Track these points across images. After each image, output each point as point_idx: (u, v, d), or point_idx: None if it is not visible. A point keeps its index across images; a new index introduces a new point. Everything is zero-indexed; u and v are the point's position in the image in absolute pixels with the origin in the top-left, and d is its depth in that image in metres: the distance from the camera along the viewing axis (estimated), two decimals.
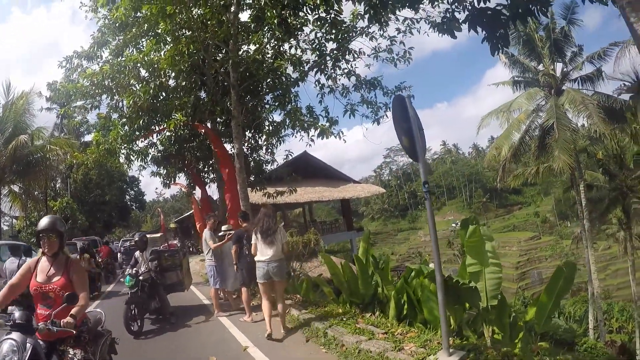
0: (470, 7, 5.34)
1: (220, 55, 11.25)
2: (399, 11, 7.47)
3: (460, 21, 5.53)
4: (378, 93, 11.72)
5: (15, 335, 2.95)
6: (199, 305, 9.67)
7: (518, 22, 5.30)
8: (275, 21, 7.85)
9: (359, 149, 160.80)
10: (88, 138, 34.33)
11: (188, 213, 37.19)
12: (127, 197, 45.75)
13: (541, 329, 6.56)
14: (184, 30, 9.90)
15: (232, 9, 9.70)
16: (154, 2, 8.40)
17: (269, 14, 7.76)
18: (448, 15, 5.56)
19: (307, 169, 24.68)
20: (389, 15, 7.42)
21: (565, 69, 19.54)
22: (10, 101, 21.71)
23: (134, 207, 48.71)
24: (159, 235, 17.56)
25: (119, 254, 20.90)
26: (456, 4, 5.52)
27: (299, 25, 8.98)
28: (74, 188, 35.37)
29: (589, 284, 18.78)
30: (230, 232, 8.61)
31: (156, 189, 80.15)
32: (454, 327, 6.29)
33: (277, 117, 13.10)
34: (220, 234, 8.92)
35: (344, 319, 6.17)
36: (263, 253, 6.35)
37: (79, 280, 3.53)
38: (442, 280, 4.19)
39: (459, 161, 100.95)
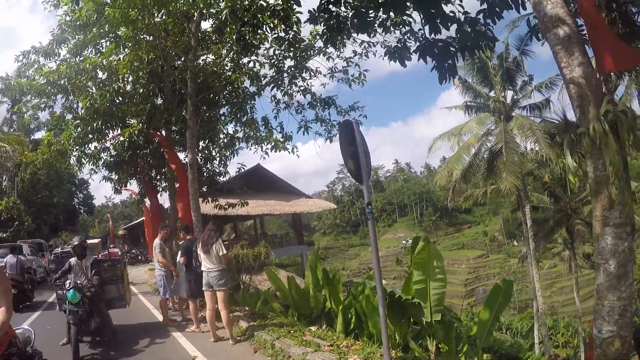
0: (422, 39, 5.75)
1: (179, 63, 11.22)
2: (356, 35, 7.81)
3: (412, 50, 5.93)
4: (332, 112, 12.09)
5: None
6: (146, 314, 9.48)
7: (466, 54, 5.76)
8: (234, 37, 8.02)
9: (314, 163, 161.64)
10: (38, 136, 32.87)
11: (138, 220, 36.12)
12: (76, 200, 43.59)
13: (483, 342, 6.93)
14: (145, 35, 9.81)
15: (195, 18, 9.76)
16: (117, 6, 8.27)
17: (228, 29, 7.92)
18: (400, 45, 5.92)
19: (260, 182, 24.76)
20: (345, 39, 7.74)
21: (515, 97, 20.69)
22: None
23: (82, 211, 46.50)
24: (96, 241, 16.59)
25: (46, 261, 19.35)
26: (408, 35, 5.92)
27: (257, 43, 9.17)
28: (21, 188, 33.40)
29: (534, 301, 19.64)
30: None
31: (106, 195, 77.06)
32: (400, 341, 6.53)
33: (231, 129, 13.11)
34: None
35: (292, 331, 6.34)
36: (205, 263, 6.70)
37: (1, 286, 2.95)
38: (382, 295, 4.44)
39: (411, 179, 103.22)
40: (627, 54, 3.32)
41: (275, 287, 9.22)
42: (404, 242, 68.20)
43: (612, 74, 3.68)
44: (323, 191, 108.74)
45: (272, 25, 7.74)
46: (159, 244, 8.58)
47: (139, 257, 28.32)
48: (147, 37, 9.85)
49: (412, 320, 6.87)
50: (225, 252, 6.73)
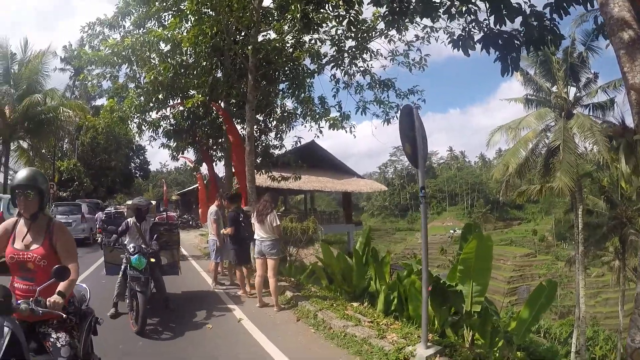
0: (486, 29, 5.62)
1: (240, 38, 11.40)
2: (419, 19, 7.69)
3: (475, 40, 5.80)
4: (391, 94, 11.99)
5: None
6: (196, 277, 9.98)
7: (531, 48, 5.58)
8: (298, 15, 8.11)
9: (367, 143, 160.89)
10: (99, 102, 34.76)
11: (191, 187, 37.54)
12: (133, 164, 45.95)
13: (519, 340, 6.91)
14: (208, 10, 10.01)
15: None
16: None
17: (292, 7, 8.01)
18: (464, 33, 5.81)
19: (313, 158, 24.96)
20: (407, 22, 7.64)
21: (578, 94, 19.65)
22: (26, 59, 21.98)
23: (137, 175, 48.85)
24: (153, 203, 17.48)
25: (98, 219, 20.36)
26: (473, 24, 5.78)
27: (319, 21, 9.20)
28: (81, 151, 35.65)
29: (577, 308, 18.84)
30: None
31: (161, 162, 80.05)
32: (438, 328, 6.62)
33: (289, 104, 13.32)
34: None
35: (334, 304, 6.57)
36: (258, 232, 6.99)
37: (66, 248, 2.92)
38: (427, 277, 4.52)
39: (465, 169, 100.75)
40: None
41: (326, 261, 9.49)
42: (451, 231, 67.03)
43: None
44: (374, 172, 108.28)
45: (334, 3, 7.74)
46: (215, 210, 8.99)
47: (190, 223, 29.52)
48: (210, 12, 10.05)
49: (452, 308, 6.95)
50: (278, 223, 6.99)
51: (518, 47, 5.41)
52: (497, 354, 5.80)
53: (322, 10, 8.15)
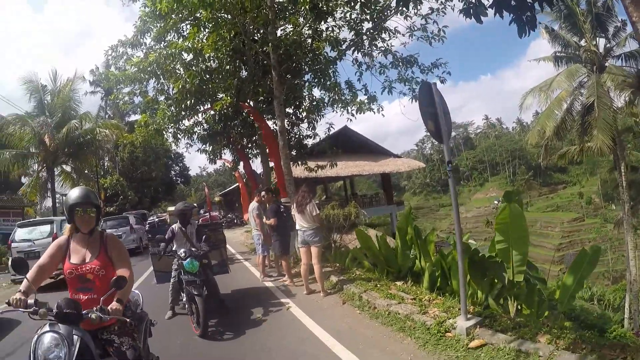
0: None
1: (259, 36, 11.57)
2: None
3: (487, 5, 5.70)
4: (416, 70, 11.83)
5: (60, 327, 2.61)
6: (245, 272, 10.41)
7: (544, 4, 5.43)
8: (307, 7, 8.18)
9: (401, 122, 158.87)
10: (132, 118, 36.09)
11: (232, 187, 38.42)
12: (173, 172, 47.58)
13: (564, 307, 6.80)
14: (223, 14, 10.21)
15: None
16: None
17: (301, 1, 8.08)
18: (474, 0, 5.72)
19: (348, 143, 25.01)
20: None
21: (607, 45, 18.52)
22: (57, 88, 22.93)
23: (179, 182, 50.46)
24: (195, 206, 18.12)
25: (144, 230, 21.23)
26: None
27: (330, 10, 9.21)
28: (122, 166, 37.34)
29: (628, 272, 17.88)
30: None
31: (200, 165, 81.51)
32: (481, 300, 6.66)
33: (317, 92, 13.44)
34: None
35: (378, 285, 6.74)
36: (299, 222, 7.24)
37: (120, 258, 3.12)
38: (462, 249, 4.60)
39: (503, 136, 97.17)
40: None
41: (364, 245, 9.63)
42: (495, 202, 65.20)
43: None
44: (412, 150, 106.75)
45: None
46: (256, 206, 9.29)
47: (235, 221, 30.28)
48: (226, 16, 10.23)
49: (495, 280, 6.94)
50: (318, 212, 7.23)
51: (531, 5, 5.29)
52: (542, 323, 5.80)
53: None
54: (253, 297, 7.53)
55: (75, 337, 2.55)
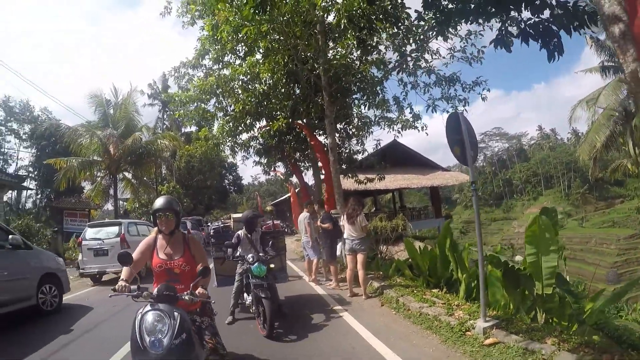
0: (522, 25, 6.06)
1: (310, 59, 12.42)
2: (460, 25, 8.14)
3: (515, 35, 6.23)
4: (458, 88, 12.39)
5: (162, 306, 3.11)
6: (295, 276, 11.23)
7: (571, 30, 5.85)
8: (355, 41, 9.04)
9: None
10: (188, 129, 38.24)
11: (283, 197, 39.65)
12: (226, 181, 49.12)
13: (592, 321, 6.99)
14: (278, 41, 11.22)
15: (318, 28, 10.93)
16: (252, 25, 9.49)
17: (347, 34, 8.90)
18: (502, 31, 6.25)
19: (397, 157, 25.50)
20: (451, 29, 8.10)
21: None
22: (119, 102, 24.94)
23: (232, 191, 51.97)
24: (261, 215, 19.00)
25: (204, 234, 21.85)
26: (509, 22, 6.23)
27: (374, 43, 10.00)
28: (179, 174, 39.42)
29: None
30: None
31: (252, 175, 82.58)
32: (512, 311, 7.09)
33: (365, 109, 14.25)
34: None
35: (415, 291, 7.41)
36: (348, 232, 8.01)
37: (200, 254, 3.76)
38: (482, 259, 5.23)
39: (558, 147, 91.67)
40: None
41: (410, 255, 10.26)
42: None
43: None
44: None
45: (385, 26, 8.49)
46: (307, 216, 10.18)
47: (286, 230, 31.38)
48: (280, 38, 11.11)
49: (526, 291, 7.34)
50: (366, 223, 8.02)
51: (557, 33, 5.71)
52: (554, 329, 6.12)
53: (375, 32, 8.92)
54: (305, 301, 8.14)
55: (175, 313, 3.08)
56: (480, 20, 6.55)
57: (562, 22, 5.67)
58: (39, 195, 38.42)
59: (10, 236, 7.60)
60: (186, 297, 3.23)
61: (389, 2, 7.78)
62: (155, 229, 3.78)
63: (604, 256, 45.80)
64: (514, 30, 6.22)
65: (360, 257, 7.90)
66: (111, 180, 24.96)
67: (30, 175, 36.91)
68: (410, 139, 74.03)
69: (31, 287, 7.73)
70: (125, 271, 3.44)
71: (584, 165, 73.38)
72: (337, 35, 11.09)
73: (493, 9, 5.61)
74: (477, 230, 5.42)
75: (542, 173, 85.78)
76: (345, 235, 8.20)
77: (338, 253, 9.66)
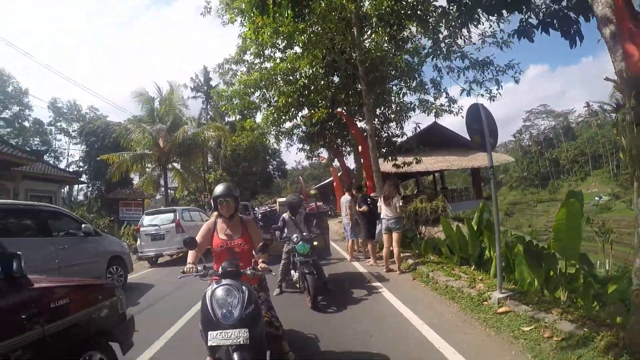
0: (540, 15, 6.41)
1: (347, 50, 12.90)
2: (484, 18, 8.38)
3: (535, 25, 6.56)
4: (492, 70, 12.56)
5: (229, 281, 3.30)
6: (337, 254, 12.09)
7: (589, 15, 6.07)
8: (386, 38, 9.54)
9: (497, 111, 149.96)
10: (232, 118, 39.75)
11: (326, 181, 40.46)
12: (270, 167, 50.63)
13: (612, 300, 7.22)
14: (315, 37, 11.81)
15: (353, 21, 11.46)
16: (290, 25, 10.11)
17: (378, 30, 9.39)
18: (523, 24, 6.60)
19: (438, 139, 25.63)
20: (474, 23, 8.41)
21: None
22: (165, 97, 26.33)
23: (276, 176, 53.59)
24: (303, 198, 19.90)
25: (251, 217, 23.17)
26: (529, 13, 6.57)
27: (407, 38, 10.42)
28: (224, 162, 41.03)
29: None
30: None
31: (295, 160, 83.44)
32: (536, 288, 7.54)
33: (402, 96, 14.66)
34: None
35: (444, 267, 8.07)
36: (385, 212, 8.77)
37: (257, 235, 4.05)
38: (498, 236, 5.81)
39: (606, 125, 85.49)
40: None
41: (446, 234, 10.86)
42: (596, 198, 58.93)
43: None
44: (510, 141, 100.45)
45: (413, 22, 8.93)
46: (349, 199, 10.95)
47: (329, 212, 32.13)
48: (319, 29, 11.66)
49: (551, 271, 7.77)
50: (401, 204, 8.76)
51: (575, 20, 5.99)
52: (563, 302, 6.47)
53: (404, 28, 9.36)
54: (347, 278, 8.82)
55: (243, 287, 3.30)
56: (504, 12, 6.93)
57: (579, 9, 6.02)
58: (90, 188, 41.19)
59: (83, 225, 8.86)
60: (248, 272, 3.47)
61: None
62: (215, 213, 4.11)
63: None
64: (534, 21, 6.64)
65: (395, 235, 8.65)
66: (161, 171, 26.52)
67: (82, 169, 39.38)
68: (451, 121, 72.59)
69: (101, 268, 9.03)
70: (191, 255, 3.73)
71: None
72: (371, 28, 11.58)
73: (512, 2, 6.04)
74: (494, 209, 6.01)
75: (590, 152, 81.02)
76: (382, 216, 8.96)
77: (377, 232, 10.37)
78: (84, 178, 37.66)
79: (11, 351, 2.48)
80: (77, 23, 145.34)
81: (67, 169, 34.02)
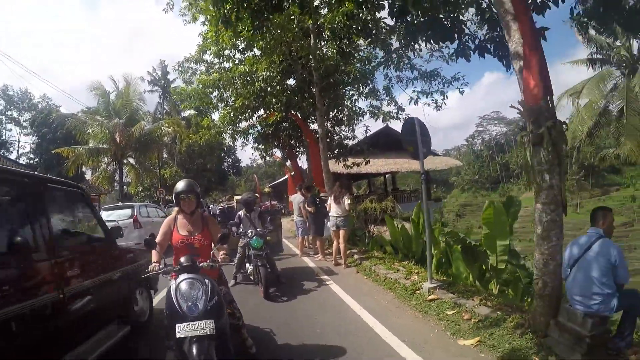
0: (477, 41, 7.27)
1: (302, 57, 13.35)
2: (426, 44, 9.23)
3: (472, 49, 7.42)
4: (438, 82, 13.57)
5: (192, 275, 3.40)
6: (288, 250, 12.67)
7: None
8: (335, 50, 10.25)
9: (452, 116, 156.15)
10: (186, 114, 39.20)
11: (280, 180, 40.94)
12: (225, 164, 50.24)
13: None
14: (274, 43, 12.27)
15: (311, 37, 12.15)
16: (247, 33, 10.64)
17: (328, 44, 10.03)
18: (461, 46, 7.42)
19: (389, 142, 26.57)
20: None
21: None
22: (121, 91, 26.03)
23: (230, 173, 53.31)
24: (257, 196, 20.44)
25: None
26: (466, 37, 7.41)
27: (354, 51, 11.28)
28: (180, 158, 40.85)
29: None
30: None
31: (250, 157, 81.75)
32: (471, 282, 8.41)
33: (355, 101, 15.46)
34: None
35: (386, 262, 8.87)
36: (334, 211, 9.49)
37: (216, 230, 4.13)
38: (430, 230, 6.61)
39: (571, 128, 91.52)
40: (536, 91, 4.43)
41: (390, 232, 11.69)
42: None
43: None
44: (462, 145, 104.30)
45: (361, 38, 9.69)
46: (302, 199, 11.51)
47: (282, 211, 32.66)
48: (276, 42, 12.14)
49: (483, 266, 8.69)
50: (349, 203, 9.49)
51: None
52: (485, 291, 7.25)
53: (353, 42, 10.12)
54: (298, 271, 9.35)
55: (206, 280, 3.43)
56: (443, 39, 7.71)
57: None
58: None
59: None
60: (205, 265, 3.58)
61: (367, 16, 8.89)
62: (176, 209, 4.20)
63: None
64: (472, 44, 7.48)
65: (342, 232, 9.39)
66: (116, 166, 26.17)
67: (33, 162, 37.94)
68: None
69: None
70: (154, 254, 3.82)
71: (582, 152, 72.69)
72: (323, 40, 12.29)
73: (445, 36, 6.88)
74: (424, 209, 6.82)
75: None
76: (331, 214, 9.65)
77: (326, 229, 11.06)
78: (36, 172, 36.31)
79: (119, 276, 4.78)
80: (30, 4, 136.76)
81: (18, 161, 32.49)
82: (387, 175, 33.24)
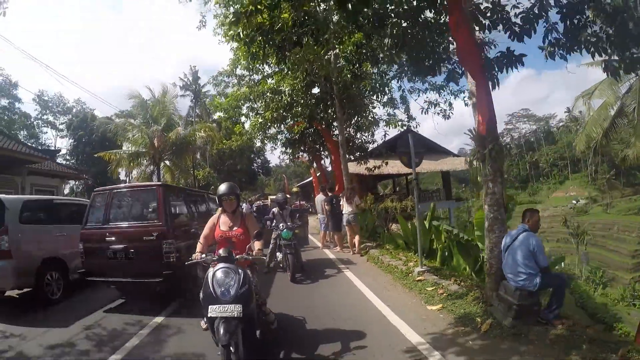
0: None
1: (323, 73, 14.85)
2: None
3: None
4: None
5: (228, 265, 3.73)
6: (312, 244, 14.45)
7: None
8: (349, 75, 11.89)
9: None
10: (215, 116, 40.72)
11: (308, 179, 42.53)
12: (255, 164, 51.95)
13: None
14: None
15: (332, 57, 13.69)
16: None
17: (344, 70, 11.68)
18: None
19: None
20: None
21: None
22: (157, 99, 27.76)
23: (260, 173, 55.18)
24: (288, 197, 22.15)
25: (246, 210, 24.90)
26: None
27: (366, 75, 12.93)
28: (212, 160, 42.71)
29: None
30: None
31: (279, 157, 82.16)
32: (468, 273, 9.70)
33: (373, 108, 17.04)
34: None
35: (392, 252, 10.46)
36: (347, 209, 11.28)
37: (253, 225, 4.60)
38: (420, 224, 8.19)
39: (585, 130, 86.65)
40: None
41: (402, 229, 13.19)
42: (573, 202, 59.75)
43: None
44: None
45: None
46: (324, 198, 13.07)
47: (310, 210, 34.21)
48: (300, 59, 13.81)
49: (477, 258, 10.01)
50: (359, 202, 11.33)
51: (492, 67, 7.91)
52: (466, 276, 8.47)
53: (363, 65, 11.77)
54: (319, 261, 10.97)
55: (240, 270, 3.81)
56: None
57: (500, 63, 8.22)
58: (76, 182, 41.49)
59: None
60: (239, 257, 4.06)
61: (376, 45, 10.42)
62: (220, 209, 4.74)
63: (625, 243, 44.11)
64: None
65: (355, 227, 11.30)
66: (154, 168, 28.36)
67: (70, 163, 40.02)
68: (427, 127, 73.31)
69: None
70: (199, 246, 4.41)
71: (612, 150, 68.27)
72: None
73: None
74: (415, 200, 8.35)
75: (569, 156, 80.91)
76: (344, 211, 11.37)
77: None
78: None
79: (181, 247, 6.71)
80: (58, 10, 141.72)
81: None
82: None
